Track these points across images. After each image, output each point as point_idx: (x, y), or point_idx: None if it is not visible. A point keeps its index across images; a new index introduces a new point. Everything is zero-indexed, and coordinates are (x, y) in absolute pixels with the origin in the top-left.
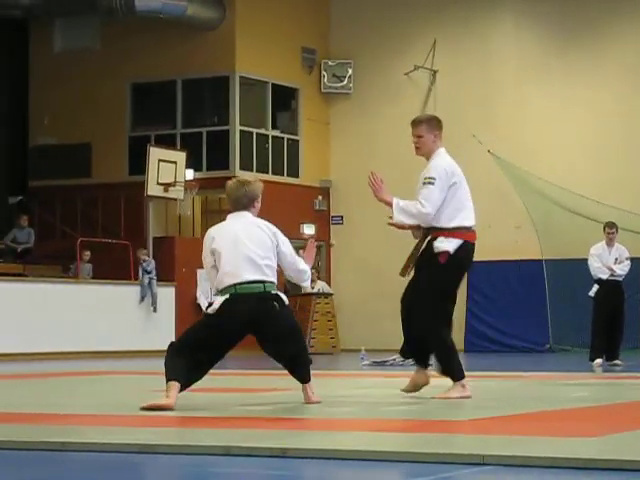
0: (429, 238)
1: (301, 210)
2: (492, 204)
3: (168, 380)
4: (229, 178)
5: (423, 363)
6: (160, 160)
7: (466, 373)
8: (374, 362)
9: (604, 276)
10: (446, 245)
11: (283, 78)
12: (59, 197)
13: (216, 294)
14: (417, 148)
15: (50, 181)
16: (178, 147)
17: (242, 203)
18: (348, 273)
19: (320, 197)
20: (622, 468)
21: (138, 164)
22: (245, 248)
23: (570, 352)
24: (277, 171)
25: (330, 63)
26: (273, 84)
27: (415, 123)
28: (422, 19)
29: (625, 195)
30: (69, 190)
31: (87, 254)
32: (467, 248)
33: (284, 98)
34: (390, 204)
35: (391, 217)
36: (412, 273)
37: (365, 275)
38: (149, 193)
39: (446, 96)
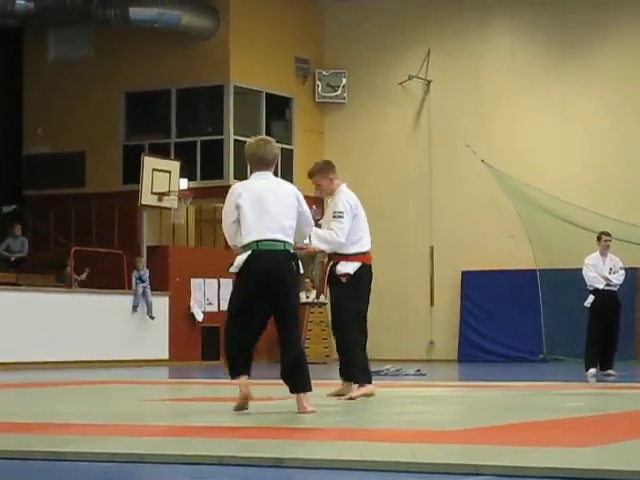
0: (332, 263)
1: None
2: (486, 213)
3: (234, 377)
4: (223, 188)
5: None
6: (154, 169)
7: (460, 383)
8: None
9: (600, 286)
10: (347, 268)
11: (277, 88)
12: (53, 206)
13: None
14: (319, 192)
15: (44, 190)
16: (172, 156)
17: (267, 160)
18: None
19: (314, 207)
20: (616, 478)
21: (132, 173)
22: (270, 206)
23: (563, 362)
24: None
25: (324, 73)
26: (267, 94)
27: (310, 175)
28: (416, 29)
29: (618, 205)
30: (63, 199)
31: (69, 263)
32: (365, 269)
33: (278, 108)
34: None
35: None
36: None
37: None
38: (143, 202)
39: (440, 106)
